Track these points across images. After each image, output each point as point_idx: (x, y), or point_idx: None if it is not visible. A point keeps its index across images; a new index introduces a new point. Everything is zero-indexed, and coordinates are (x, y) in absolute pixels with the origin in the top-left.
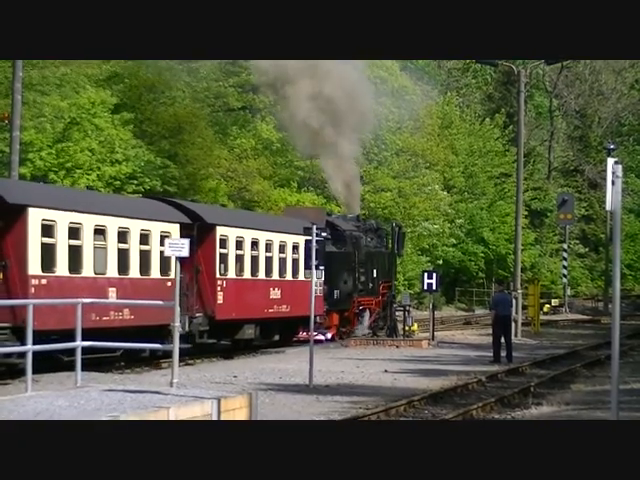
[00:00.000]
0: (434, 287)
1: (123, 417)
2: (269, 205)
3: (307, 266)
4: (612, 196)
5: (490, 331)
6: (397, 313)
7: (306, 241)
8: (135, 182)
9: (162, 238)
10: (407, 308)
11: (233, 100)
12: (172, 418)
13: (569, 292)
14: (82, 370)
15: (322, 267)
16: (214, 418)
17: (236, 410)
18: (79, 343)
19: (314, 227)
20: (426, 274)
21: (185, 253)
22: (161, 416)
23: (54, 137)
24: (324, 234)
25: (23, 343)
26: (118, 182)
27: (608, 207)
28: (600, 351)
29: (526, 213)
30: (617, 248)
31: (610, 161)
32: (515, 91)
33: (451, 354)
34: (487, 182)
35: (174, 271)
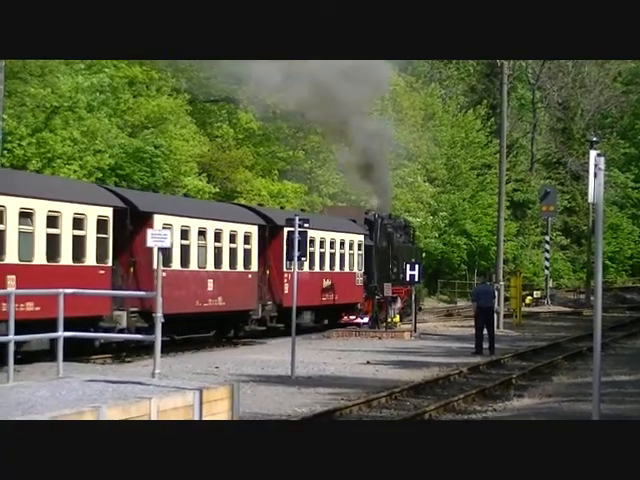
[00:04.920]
0: (417, 278)
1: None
2: (251, 196)
3: (289, 257)
4: (594, 188)
5: (472, 323)
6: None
7: (289, 232)
8: (122, 172)
9: (245, 238)
10: (389, 300)
11: (216, 90)
12: (154, 409)
13: (551, 284)
14: (63, 361)
15: (304, 258)
16: (196, 409)
17: (218, 401)
18: (61, 334)
19: (296, 218)
20: (409, 265)
21: (167, 244)
22: (143, 407)
23: (35, 126)
24: (307, 225)
25: (150, 325)
26: (100, 173)
27: (590, 199)
28: (582, 343)
29: (508, 204)
30: (599, 240)
31: (593, 153)
32: (498, 83)
33: (433, 346)
34: (469, 173)
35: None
